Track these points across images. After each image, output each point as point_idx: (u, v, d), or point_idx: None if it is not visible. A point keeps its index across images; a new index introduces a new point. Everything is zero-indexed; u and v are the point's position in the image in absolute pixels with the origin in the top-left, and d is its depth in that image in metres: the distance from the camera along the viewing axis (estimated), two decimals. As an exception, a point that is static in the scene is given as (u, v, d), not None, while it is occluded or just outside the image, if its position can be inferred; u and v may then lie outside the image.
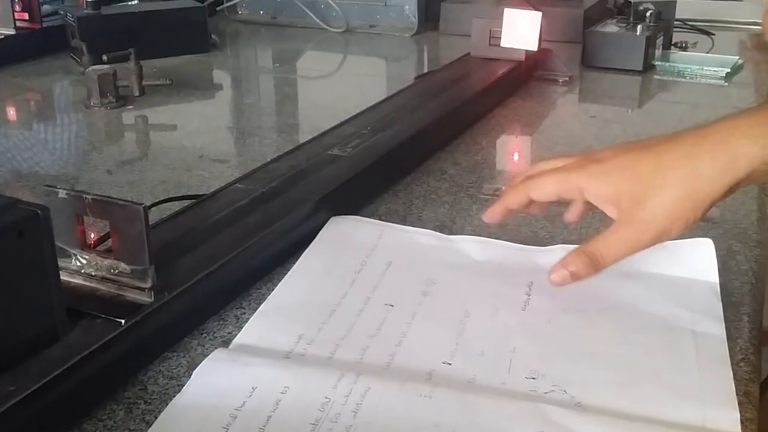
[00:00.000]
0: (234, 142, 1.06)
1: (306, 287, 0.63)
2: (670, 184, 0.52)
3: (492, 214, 0.63)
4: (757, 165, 0.49)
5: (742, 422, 0.48)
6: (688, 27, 1.58)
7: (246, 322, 0.59)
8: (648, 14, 1.34)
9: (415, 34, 1.61)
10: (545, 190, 0.59)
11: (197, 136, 1.04)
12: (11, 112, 1.21)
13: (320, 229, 0.71)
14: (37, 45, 1.40)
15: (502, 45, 1.19)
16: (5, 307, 0.46)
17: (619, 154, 0.56)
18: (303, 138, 0.95)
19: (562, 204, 0.63)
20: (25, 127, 1.15)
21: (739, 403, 0.50)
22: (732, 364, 0.53)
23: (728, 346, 0.55)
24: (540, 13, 1.18)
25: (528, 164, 0.99)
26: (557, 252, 0.68)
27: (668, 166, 0.52)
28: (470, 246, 0.70)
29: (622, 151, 0.56)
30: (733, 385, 0.51)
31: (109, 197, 0.54)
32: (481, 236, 0.71)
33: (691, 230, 0.54)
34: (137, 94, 1.15)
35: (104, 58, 1.15)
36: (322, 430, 0.47)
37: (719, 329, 0.57)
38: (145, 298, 0.54)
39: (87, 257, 0.56)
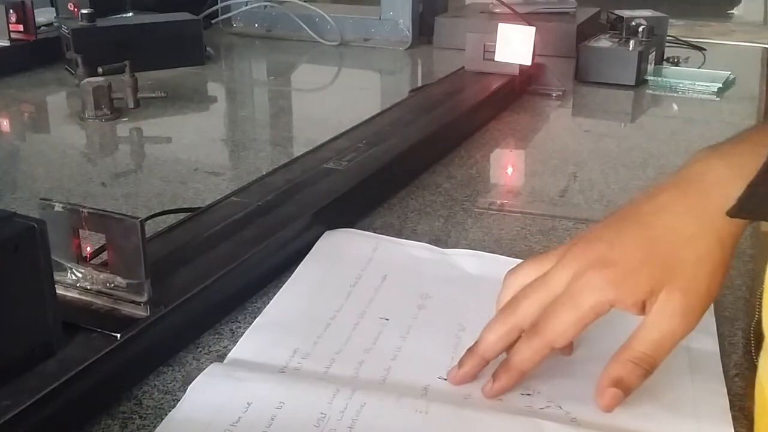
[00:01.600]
0: (229, 155, 1.06)
1: (301, 301, 0.63)
2: (685, 255, 0.48)
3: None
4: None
5: (736, 437, 0.48)
6: (680, 42, 1.59)
7: (241, 335, 0.58)
8: (640, 30, 1.35)
9: (410, 48, 1.62)
10: (567, 333, 0.50)
11: (192, 148, 1.04)
12: (5, 124, 1.21)
13: (315, 243, 0.71)
14: (31, 57, 1.40)
15: (496, 59, 1.20)
16: (0, 321, 0.46)
17: (615, 244, 0.50)
18: (298, 151, 0.95)
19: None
20: (20, 139, 1.15)
21: (734, 419, 0.50)
22: (726, 379, 0.54)
23: (722, 361, 0.56)
24: (534, 28, 1.19)
25: (522, 178, 0.99)
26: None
27: (677, 236, 0.49)
28: (465, 260, 0.70)
29: (614, 236, 0.50)
30: (728, 400, 0.51)
31: (105, 211, 0.54)
32: (476, 250, 0.72)
33: None
34: (132, 106, 1.15)
35: (99, 70, 1.15)
36: (317, 446, 0.47)
37: (713, 344, 0.57)
38: (141, 312, 0.54)
39: (83, 271, 0.56)
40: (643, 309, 0.49)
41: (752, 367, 0.57)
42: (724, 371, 0.54)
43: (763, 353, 0.46)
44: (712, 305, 0.61)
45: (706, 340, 0.58)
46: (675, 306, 0.48)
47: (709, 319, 0.60)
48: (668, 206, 0.50)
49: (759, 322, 0.54)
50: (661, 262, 0.48)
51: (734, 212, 0.47)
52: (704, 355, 0.56)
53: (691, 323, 0.48)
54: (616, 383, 0.49)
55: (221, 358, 0.56)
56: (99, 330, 0.52)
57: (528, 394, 0.52)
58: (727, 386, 0.53)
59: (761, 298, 0.54)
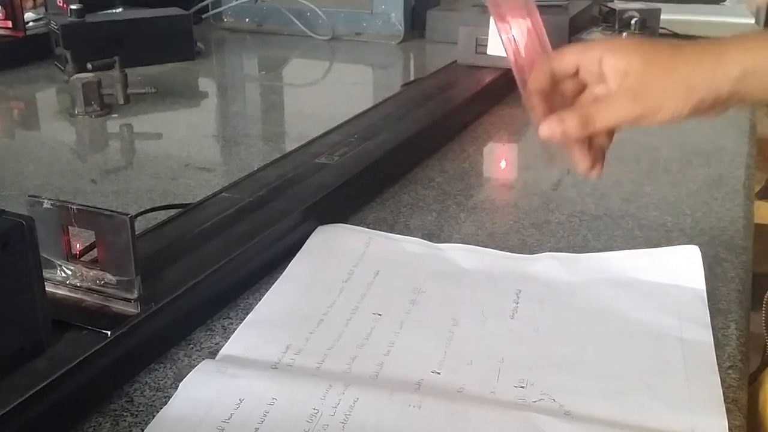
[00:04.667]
0: (220, 151, 1.05)
1: (293, 297, 0.63)
2: (674, 69, 0.55)
3: (536, 115, 0.61)
4: (747, 73, 0.53)
5: (730, 429, 0.48)
6: (672, 34, 1.59)
7: (233, 332, 0.58)
8: (633, 22, 1.35)
9: (402, 42, 1.61)
10: (566, 58, 0.59)
11: (183, 144, 1.04)
12: (-6, 121, 1.20)
13: (307, 238, 0.71)
14: (20, 53, 1.39)
15: (488, 53, 1.19)
16: (-11, 320, 0.46)
17: (642, 41, 0.60)
18: (289, 146, 0.94)
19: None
20: (9, 136, 1.14)
21: (728, 410, 0.50)
22: (720, 371, 0.54)
23: (716, 353, 0.56)
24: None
25: (515, 171, 0.99)
26: (545, 260, 0.68)
27: (679, 58, 0.55)
28: (458, 254, 0.69)
29: (644, 43, 0.59)
30: (722, 392, 0.51)
31: (94, 207, 0.54)
32: (469, 244, 0.71)
33: (677, 119, 0.55)
34: (122, 102, 1.14)
35: (89, 66, 1.14)
36: (310, 442, 0.46)
37: (707, 336, 0.57)
38: (132, 309, 0.54)
39: (72, 268, 0.55)
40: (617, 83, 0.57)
41: (746, 359, 0.57)
42: (717, 363, 0.54)
43: None
44: (705, 297, 0.61)
45: (699, 332, 0.58)
46: (629, 93, 0.56)
47: (703, 310, 0.60)
48: (697, 47, 0.56)
49: None
50: (657, 60, 0.56)
51: (764, 194, 0.51)
52: (698, 347, 0.56)
53: (632, 114, 0.56)
54: (564, 122, 0.57)
55: (213, 354, 0.56)
56: (89, 327, 0.52)
57: (521, 387, 0.52)
58: (720, 378, 0.53)
59: None
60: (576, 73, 0.59)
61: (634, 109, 0.55)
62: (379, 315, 0.60)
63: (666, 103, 0.54)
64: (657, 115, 0.55)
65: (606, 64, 0.57)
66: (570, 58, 0.59)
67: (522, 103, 0.63)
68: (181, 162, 0.95)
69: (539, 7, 0.65)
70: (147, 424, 0.49)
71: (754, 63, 0.53)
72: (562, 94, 0.60)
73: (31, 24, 1.46)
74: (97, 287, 0.55)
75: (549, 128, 0.58)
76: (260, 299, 0.62)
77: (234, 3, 1.75)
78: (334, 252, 0.69)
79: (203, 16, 1.73)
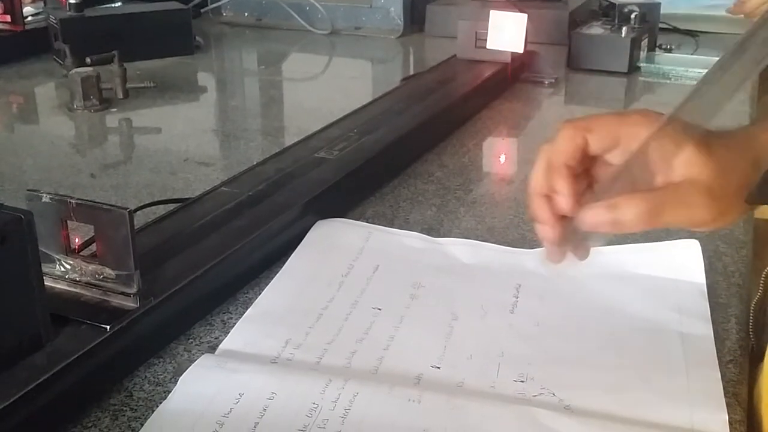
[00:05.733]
0: (219, 145, 1.05)
1: (293, 291, 0.63)
2: (751, 165, 0.48)
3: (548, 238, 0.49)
4: None
5: (730, 423, 0.48)
6: (672, 28, 1.59)
7: (233, 326, 0.58)
8: (633, 16, 1.34)
9: (401, 36, 1.61)
10: (603, 126, 0.48)
11: (182, 139, 1.04)
12: (-7, 115, 1.20)
13: (307, 233, 0.71)
14: (19, 47, 1.38)
15: (488, 47, 1.19)
16: (-12, 314, 0.46)
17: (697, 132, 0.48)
18: (289, 141, 0.94)
19: None
20: (8, 131, 1.14)
21: (728, 405, 0.50)
22: (720, 365, 0.54)
23: (716, 347, 0.55)
24: (526, 15, 1.18)
25: (515, 166, 0.99)
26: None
27: (754, 146, 0.49)
28: (458, 249, 0.69)
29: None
30: (722, 386, 0.51)
31: (93, 201, 0.54)
32: (468, 239, 0.71)
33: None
34: (121, 96, 1.14)
35: (87, 60, 1.14)
36: (310, 436, 0.46)
37: (707, 330, 0.57)
38: (131, 304, 0.54)
39: (71, 262, 0.55)
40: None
41: (746, 353, 0.57)
42: (717, 357, 0.54)
43: None
44: (706, 291, 0.61)
45: (700, 326, 0.58)
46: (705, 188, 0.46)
47: (703, 304, 0.60)
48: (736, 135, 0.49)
49: (760, 301, 0.54)
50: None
51: (752, 199, 0.47)
52: (698, 341, 0.56)
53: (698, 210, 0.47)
54: (618, 211, 0.46)
55: (212, 349, 0.56)
56: (88, 322, 0.52)
57: (521, 381, 0.52)
58: (721, 372, 0.53)
59: (766, 278, 0.54)
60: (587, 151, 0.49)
61: (710, 212, 0.46)
62: (379, 309, 0.60)
63: (740, 206, 0.47)
64: (726, 219, 0.48)
65: (658, 147, 0.47)
66: (606, 129, 0.48)
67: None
68: (180, 156, 0.95)
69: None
70: (146, 418, 0.49)
71: None
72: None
73: (29, 18, 1.46)
74: (96, 282, 0.55)
75: (595, 215, 0.46)
76: (260, 294, 0.62)
77: (233, -3, 1.75)
78: (333, 246, 0.69)
79: (202, 10, 1.73)
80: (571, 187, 0.48)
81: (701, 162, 0.46)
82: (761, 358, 0.59)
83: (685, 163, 0.46)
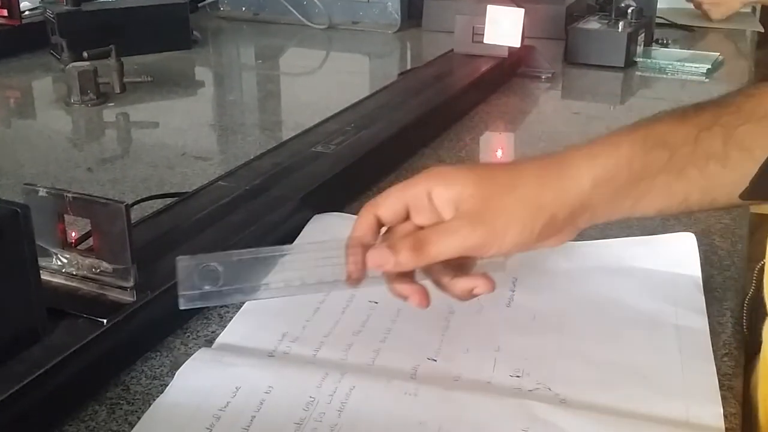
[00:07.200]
0: (216, 140, 1.05)
1: (290, 285, 0.63)
2: (516, 187, 0.51)
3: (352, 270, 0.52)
4: (598, 182, 0.50)
5: (725, 416, 0.48)
6: (668, 23, 1.59)
7: (230, 320, 0.58)
8: (629, 11, 1.34)
9: (398, 31, 1.61)
10: (387, 201, 0.52)
11: (179, 133, 1.04)
12: (-10, 110, 1.19)
13: (304, 227, 0.71)
14: (16, 42, 1.38)
15: (485, 42, 1.19)
16: (-15, 308, 0.46)
17: (471, 165, 0.55)
18: (286, 135, 0.94)
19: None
20: (5, 125, 1.14)
21: (723, 398, 0.50)
22: (715, 358, 0.54)
23: (711, 340, 0.56)
24: (523, 10, 1.18)
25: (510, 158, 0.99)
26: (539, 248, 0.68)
27: (518, 175, 0.52)
28: (454, 243, 0.69)
29: (474, 164, 0.55)
30: (717, 379, 0.51)
31: (90, 195, 0.54)
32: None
33: (542, 242, 0.52)
34: (118, 91, 1.14)
35: (85, 54, 1.13)
36: (306, 430, 0.46)
37: (702, 323, 0.57)
38: (128, 297, 0.54)
39: (68, 256, 0.55)
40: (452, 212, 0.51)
41: (741, 346, 0.57)
42: (713, 350, 0.55)
43: (766, 325, 0.48)
44: (701, 284, 0.61)
45: (695, 319, 0.58)
46: (472, 218, 0.50)
47: (698, 297, 0.60)
48: (537, 162, 0.53)
49: (754, 297, 0.54)
50: (495, 182, 0.51)
51: (746, 195, 0.49)
52: (693, 334, 0.56)
53: (473, 240, 0.50)
54: (398, 254, 0.50)
55: (209, 342, 0.56)
56: (85, 315, 0.52)
57: (517, 376, 0.52)
58: (716, 365, 0.53)
59: (759, 273, 0.54)
60: (408, 217, 0.52)
61: (475, 232, 0.49)
62: (376, 303, 0.60)
63: (512, 222, 0.49)
64: (504, 238, 0.50)
65: (437, 197, 0.51)
66: (391, 201, 0.52)
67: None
68: (178, 151, 0.95)
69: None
70: (143, 412, 0.49)
71: (605, 170, 0.50)
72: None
73: (27, 12, 1.45)
74: (93, 275, 0.55)
75: (379, 258, 0.50)
76: (256, 288, 0.62)
77: (230, -9, 1.74)
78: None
79: (199, 4, 1.73)
80: (359, 259, 0.52)
81: (466, 195, 0.50)
82: (756, 352, 0.59)
83: (454, 201, 0.51)
